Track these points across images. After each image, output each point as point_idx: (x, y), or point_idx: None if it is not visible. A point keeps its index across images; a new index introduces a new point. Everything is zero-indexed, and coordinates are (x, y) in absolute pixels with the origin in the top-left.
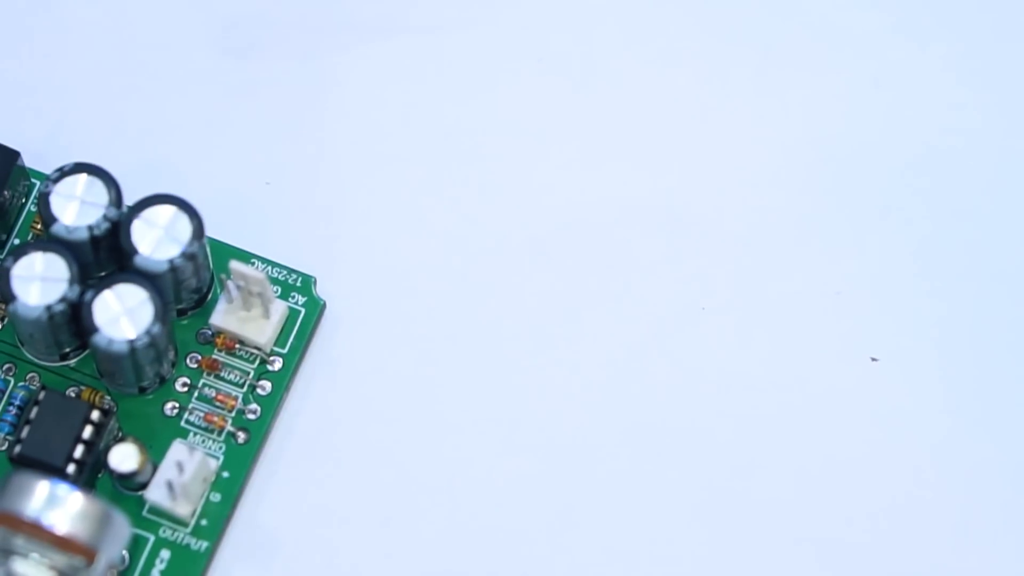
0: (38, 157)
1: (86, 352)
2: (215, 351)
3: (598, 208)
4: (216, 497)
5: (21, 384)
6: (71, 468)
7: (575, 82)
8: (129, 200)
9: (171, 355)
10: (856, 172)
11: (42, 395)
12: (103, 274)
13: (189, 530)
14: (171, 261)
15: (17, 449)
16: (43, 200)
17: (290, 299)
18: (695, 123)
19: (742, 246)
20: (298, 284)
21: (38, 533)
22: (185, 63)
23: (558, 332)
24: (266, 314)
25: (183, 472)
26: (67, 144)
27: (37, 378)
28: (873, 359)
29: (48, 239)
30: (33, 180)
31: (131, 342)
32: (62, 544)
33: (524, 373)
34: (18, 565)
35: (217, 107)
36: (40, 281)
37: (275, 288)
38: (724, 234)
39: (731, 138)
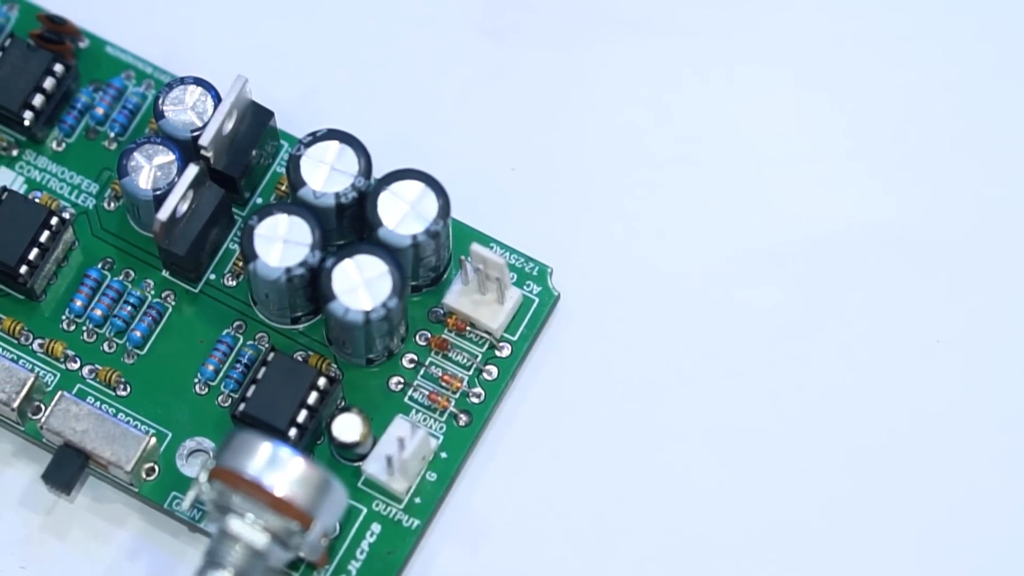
0: (289, 120)
1: (317, 318)
2: (445, 331)
3: (840, 228)
4: (432, 476)
5: (250, 343)
6: (293, 432)
7: (830, 99)
8: (373, 172)
9: (402, 330)
10: None
11: (271, 356)
12: (341, 242)
13: (402, 506)
14: (415, 237)
15: (241, 407)
16: (293, 163)
17: (525, 287)
18: (946, 152)
19: (983, 280)
20: (534, 273)
21: (257, 493)
22: (442, 41)
23: (787, 350)
24: (501, 299)
25: (403, 448)
26: (317, 110)
27: (266, 338)
28: None
29: (294, 202)
30: (282, 141)
31: (367, 313)
32: (280, 507)
33: (750, 388)
34: (233, 523)
35: (470, 88)
36: (282, 243)
37: (511, 275)
38: (965, 266)
39: (981, 170)
